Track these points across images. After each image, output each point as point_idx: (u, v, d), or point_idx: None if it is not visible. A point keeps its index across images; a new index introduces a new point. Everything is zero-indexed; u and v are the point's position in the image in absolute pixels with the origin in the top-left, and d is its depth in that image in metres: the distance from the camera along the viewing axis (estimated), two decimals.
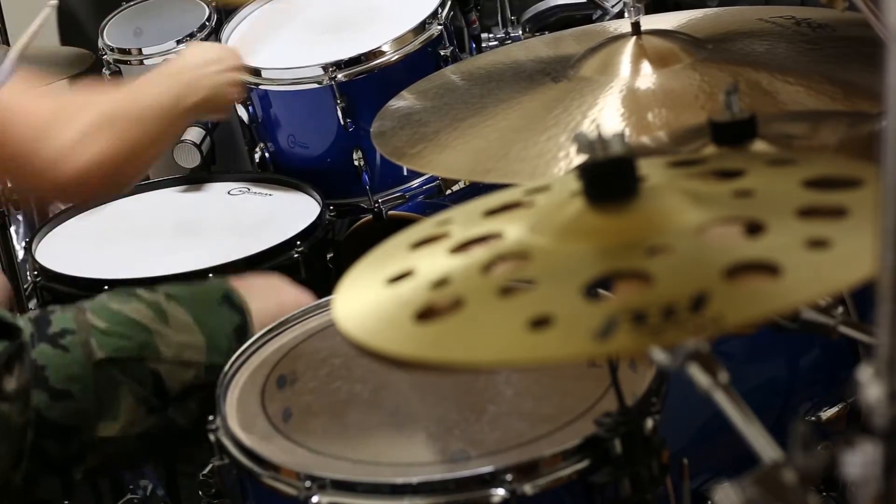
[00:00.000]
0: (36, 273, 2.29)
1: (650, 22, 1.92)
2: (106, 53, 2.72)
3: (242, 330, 1.83)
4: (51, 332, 1.76)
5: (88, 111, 1.79)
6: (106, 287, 2.17)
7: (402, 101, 2.02)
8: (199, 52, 2.11)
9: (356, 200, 2.55)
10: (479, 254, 1.16)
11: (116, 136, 1.78)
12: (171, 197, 2.54)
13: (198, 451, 1.88)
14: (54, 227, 2.44)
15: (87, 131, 1.76)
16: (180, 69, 2.03)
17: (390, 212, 2.53)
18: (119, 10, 2.85)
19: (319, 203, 2.40)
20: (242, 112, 2.58)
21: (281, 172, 2.58)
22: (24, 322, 1.77)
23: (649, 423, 1.42)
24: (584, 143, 1.14)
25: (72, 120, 1.76)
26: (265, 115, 2.57)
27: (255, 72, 2.51)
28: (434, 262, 1.17)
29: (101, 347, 1.76)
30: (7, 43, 2.79)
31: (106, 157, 1.76)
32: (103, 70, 2.73)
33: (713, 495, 0.98)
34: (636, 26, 1.86)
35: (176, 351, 1.78)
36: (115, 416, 1.75)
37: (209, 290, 1.90)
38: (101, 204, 2.52)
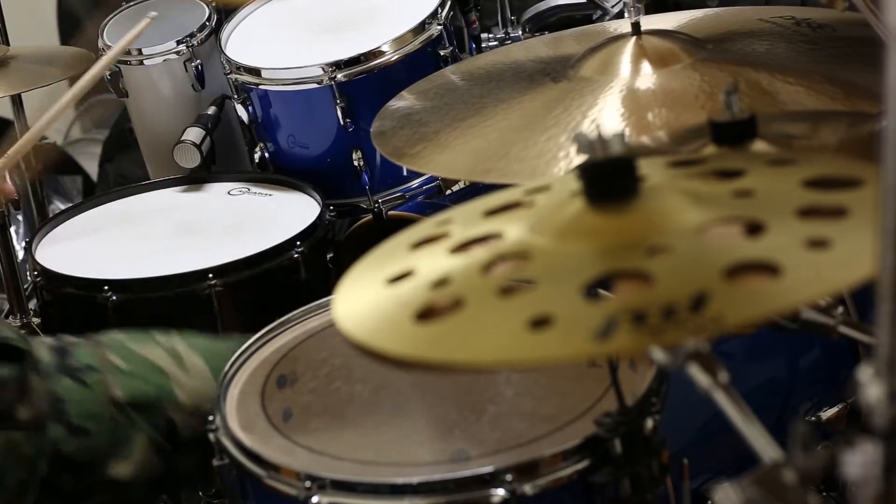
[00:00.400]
0: (36, 273, 2.28)
1: (650, 22, 1.92)
2: (106, 53, 2.71)
3: None
4: (73, 365, 1.76)
5: None
6: (106, 287, 2.17)
7: (402, 101, 2.02)
8: None
9: (356, 200, 2.55)
10: (479, 254, 1.16)
11: None
12: (171, 197, 2.54)
13: (197, 494, 1.90)
14: (54, 227, 2.44)
15: None
16: None
17: (390, 212, 2.53)
18: (119, 10, 2.85)
19: (319, 203, 2.40)
20: (242, 112, 2.58)
21: (281, 172, 2.58)
22: (44, 350, 1.78)
23: (649, 423, 1.42)
24: (584, 143, 1.14)
25: None
26: (265, 115, 2.57)
27: (255, 72, 2.51)
28: (434, 262, 1.17)
29: (121, 388, 1.76)
30: (7, 43, 2.78)
31: None
32: None
33: (713, 495, 0.98)
34: (636, 26, 1.86)
35: (192, 400, 1.78)
36: (128, 456, 1.75)
37: (227, 343, 1.90)
38: (101, 204, 2.52)
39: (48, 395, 1.72)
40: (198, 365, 1.82)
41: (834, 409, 1.93)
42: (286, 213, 2.39)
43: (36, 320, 2.62)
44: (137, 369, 1.79)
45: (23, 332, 1.93)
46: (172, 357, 1.82)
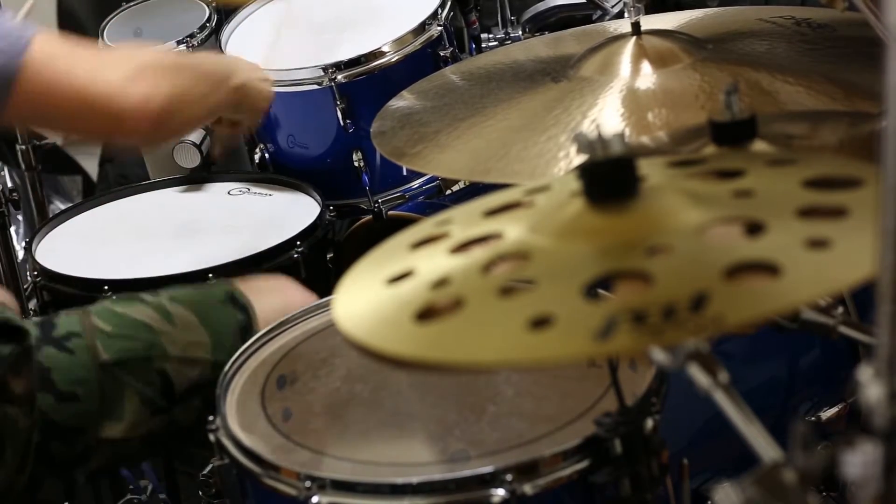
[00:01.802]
0: (36, 273, 2.28)
1: (650, 22, 1.92)
2: None
3: (247, 328, 1.84)
4: (56, 334, 1.77)
5: (135, 57, 1.87)
6: (106, 287, 2.17)
7: (402, 101, 2.02)
8: (241, 59, 2.27)
9: (356, 200, 2.55)
10: (479, 254, 1.16)
11: (164, 79, 1.85)
12: (171, 197, 2.54)
13: (198, 451, 1.89)
14: (54, 227, 2.44)
15: (138, 70, 1.83)
16: (226, 58, 2.25)
17: (390, 212, 2.53)
18: (119, 10, 2.85)
19: (319, 203, 2.39)
20: None
21: (281, 173, 2.57)
22: (30, 325, 1.78)
23: (649, 423, 1.42)
24: (584, 143, 1.14)
25: (121, 62, 1.84)
26: (265, 116, 2.57)
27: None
28: (434, 262, 1.17)
29: (107, 350, 1.76)
30: None
31: (157, 94, 1.82)
32: None
33: (713, 495, 0.98)
34: (636, 26, 1.86)
35: (182, 348, 1.79)
36: (120, 417, 1.76)
37: (212, 291, 1.91)
38: (101, 204, 2.52)
39: (36, 367, 1.72)
40: (185, 315, 1.82)
41: (834, 409, 1.93)
42: (286, 213, 2.39)
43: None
44: (123, 330, 1.79)
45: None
46: (158, 312, 1.82)
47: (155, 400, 1.77)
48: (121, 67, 1.82)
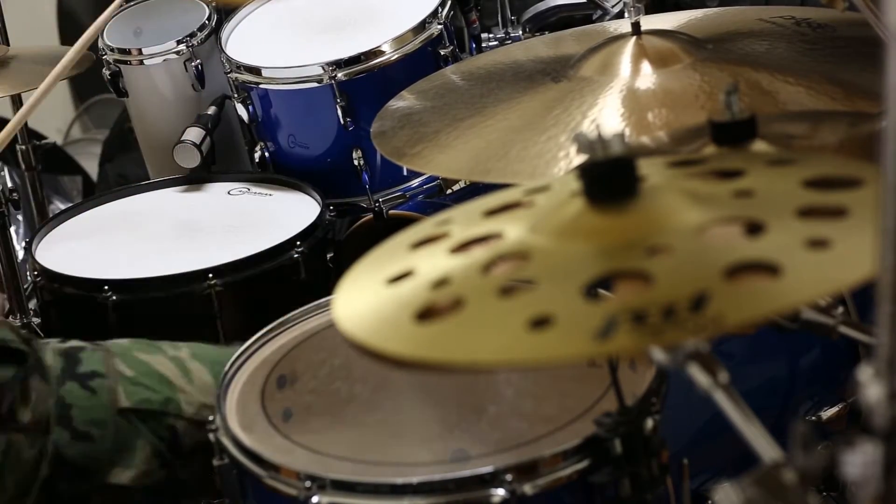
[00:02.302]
0: (36, 273, 2.28)
1: (650, 22, 1.92)
2: (106, 53, 2.72)
3: None
4: (81, 371, 1.77)
5: None
6: (106, 287, 2.17)
7: (402, 101, 2.02)
8: None
9: (356, 200, 2.55)
10: (479, 254, 1.16)
11: None
12: (171, 197, 2.54)
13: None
14: (54, 227, 2.44)
15: None
16: None
17: (390, 211, 2.53)
18: (119, 9, 2.85)
19: (319, 203, 2.40)
20: (242, 111, 2.58)
21: (281, 172, 2.58)
22: (50, 354, 1.78)
23: (649, 423, 1.42)
24: (584, 143, 1.14)
25: None
26: (265, 115, 2.57)
27: (256, 71, 2.51)
28: (434, 262, 1.17)
29: (127, 396, 1.77)
30: (7, 43, 2.78)
31: None
32: (103, 70, 2.73)
33: (713, 495, 0.98)
34: (636, 26, 1.86)
35: (196, 410, 1.79)
36: (130, 464, 1.76)
37: (232, 353, 1.91)
38: (101, 203, 2.52)
39: (55, 399, 1.72)
40: (203, 377, 1.83)
41: (834, 409, 1.93)
42: (286, 213, 2.39)
43: (36, 320, 2.63)
44: (144, 378, 1.79)
45: (26, 332, 1.93)
46: (179, 368, 1.82)
47: (163, 454, 1.78)
48: None
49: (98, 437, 1.74)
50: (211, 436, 1.55)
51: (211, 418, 1.56)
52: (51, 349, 1.79)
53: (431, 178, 2.56)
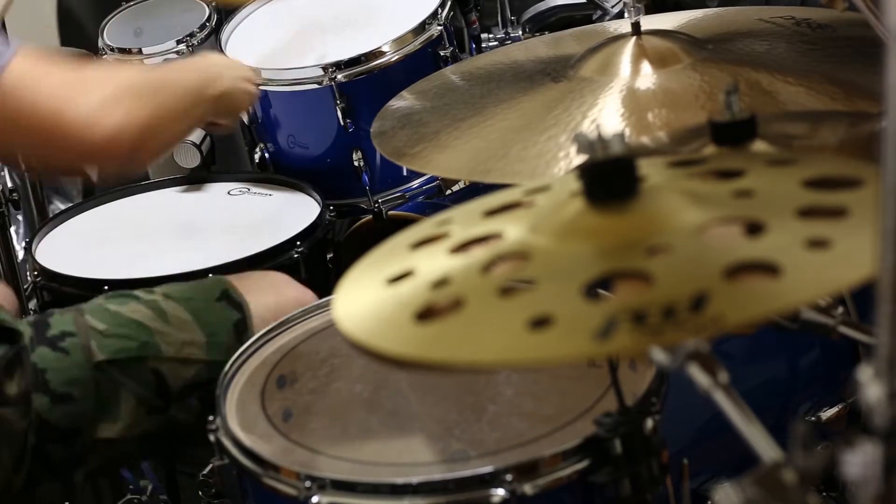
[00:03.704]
0: (36, 273, 2.28)
1: (650, 22, 1.92)
2: (106, 53, 2.72)
3: (242, 326, 1.84)
4: (50, 334, 1.76)
5: (112, 80, 1.79)
6: (106, 287, 2.17)
7: (402, 101, 2.02)
8: (224, 59, 2.22)
9: (356, 200, 2.55)
10: (479, 254, 1.16)
11: (141, 104, 1.77)
12: (171, 197, 2.54)
13: (198, 451, 1.89)
14: (54, 227, 2.44)
15: (113, 97, 1.74)
16: (207, 64, 2.12)
17: (390, 212, 2.53)
18: (119, 10, 2.85)
19: (319, 203, 2.40)
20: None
21: (281, 172, 2.58)
22: (23, 326, 1.77)
23: (649, 423, 1.42)
24: (584, 144, 1.14)
25: (96, 87, 1.75)
26: (265, 116, 2.57)
27: (255, 72, 2.51)
28: (434, 262, 1.17)
29: (102, 349, 1.76)
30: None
31: (131, 123, 1.74)
32: None
33: (713, 495, 0.98)
34: (636, 26, 1.86)
35: (177, 349, 1.79)
36: (116, 417, 1.75)
37: (207, 288, 1.91)
38: (101, 204, 2.52)
39: (30, 368, 1.72)
40: (179, 314, 1.82)
41: (834, 409, 1.93)
42: (286, 213, 2.39)
43: None
44: (118, 329, 1.78)
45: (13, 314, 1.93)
46: (153, 310, 1.81)
47: (150, 400, 1.77)
48: (94, 94, 1.73)
49: (79, 396, 1.73)
50: (211, 436, 1.55)
51: (211, 418, 1.56)
52: (23, 323, 1.79)
53: (431, 179, 2.56)
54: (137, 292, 1.85)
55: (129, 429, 1.76)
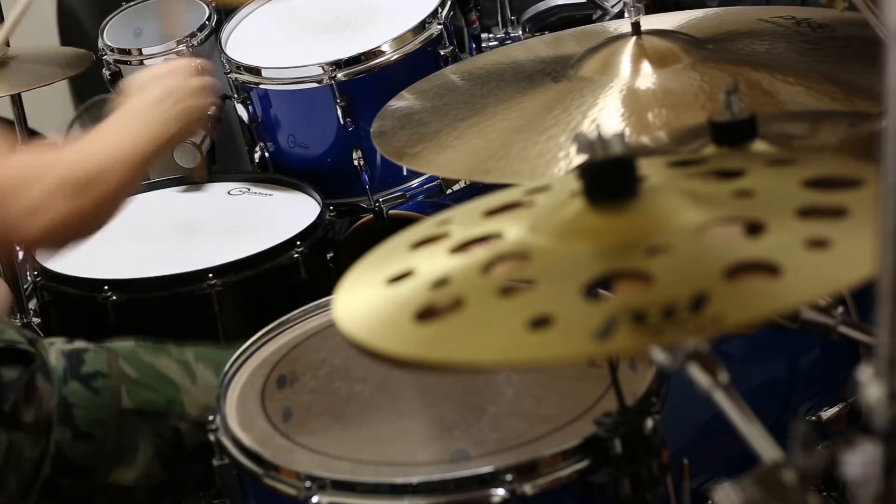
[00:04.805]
0: (36, 273, 2.29)
1: (650, 22, 1.92)
2: (106, 54, 2.72)
3: None
4: (84, 371, 1.77)
5: (49, 174, 1.70)
6: (106, 287, 2.17)
7: (402, 101, 2.02)
8: (149, 93, 1.93)
9: (356, 200, 2.55)
10: (479, 254, 1.16)
11: (77, 197, 1.70)
12: (171, 197, 2.54)
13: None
14: None
15: (50, 192, 1.68)
16: (135, 114, 1.89)
17: (390, 211, 2.53)
18: (119, 10, 2.85)
19: (319, 203, 2.40)
20: (242, 112, 2.58)
21: (281, 172, 2.58)
22: (54, 354, 1.78)
23: (649, 423, 1.43)
24: (584, 143, 1.14)
25: (34, 182, 1.69)
26: (265, 115, 2.57)
27: (256, 71, 2.51)
28: (434, 262, 1.17)
29: (131, 397, 1.77)
30: (7, 43, 2.78)
31: (68, 217, 1.70)
32: (103, 70, 2.73)
33: (713, 495, 0.98)
34: (636, 26, 1.86)
35: (200, 411, 1.79)
36: (132, 464, 1.76)
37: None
38: None
39: (58, 399, 1.72)
40: (208, 378, 1.83)
41: (834, 409, 1.93)
42: (286, 213, 2.39)
43: (36, 320, 2.63)
44: (147, 379, 1.80)
45: (30, 333, 1.93)
46: (183, 369, 1.83)
47: (166, 453, 1.78)
48: (31, 190, 1.66)
49: (100, 437, 1.75)
50: (211, 436, 1.55)
51: (211, 418, 1.56)
52: (55, 349, 1.79)
53: (431, 179, 2.56)
54: (168, 347, 1.86)
55: (142, 478, 1.77)
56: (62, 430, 1.72)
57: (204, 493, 1.96)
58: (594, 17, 2.79)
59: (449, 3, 2.55)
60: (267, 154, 2.60)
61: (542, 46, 2.10)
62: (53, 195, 1.67)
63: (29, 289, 2.60)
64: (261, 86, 2.52)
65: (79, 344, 1.84)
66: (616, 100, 1.77)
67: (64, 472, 1.72)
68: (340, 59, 2.44)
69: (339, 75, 2.43)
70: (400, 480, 1.40)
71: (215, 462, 1.55)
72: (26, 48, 2.76)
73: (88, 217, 1.73)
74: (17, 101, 2.77)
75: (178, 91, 1.90)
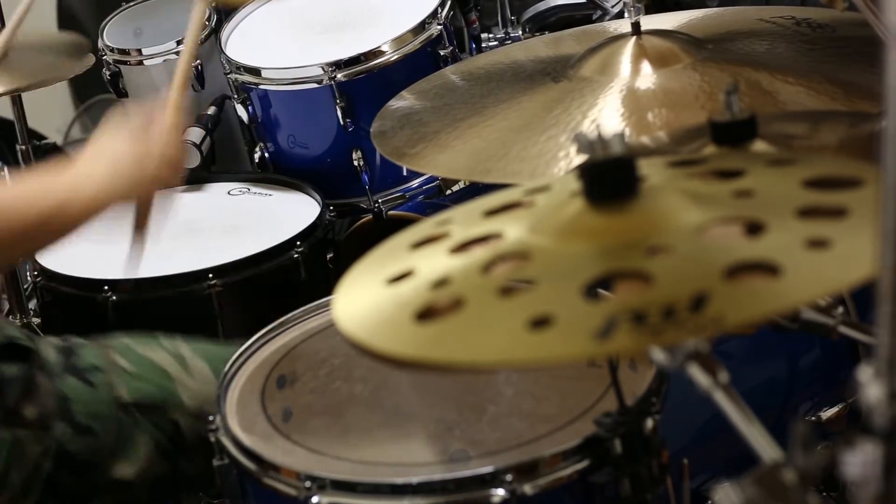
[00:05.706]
0: (36, 273, 2.29)
1: (650, 22, 1.92)
2: (106, 54, 2.72)
3: None
4: (80, 365, 1.77)
5: (21, 222, 1.62)
6: (106, 287, 2.17)
7: (402, 101, 2.02)
8: (119, 149, 1.76)
9: (356, 200, 2.56)
10: (479, 254, 1.16)
11: (46, 242, 1.70)
12: (171, 197, 2.54)
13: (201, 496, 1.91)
14: None
15: (16, 239, 1.61)
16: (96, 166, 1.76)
17: (390, 212, 2.53)
18: (119, 10, 2.86)
19: (319, 203, 2.40)
20: (242, 112, 2.58)
21: (281, 172, 2.58)
22: (50, 350, 1.78)
23: (649, 423, 1.43)
24: (584, 143, 1.14)
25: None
26: (265, 115, 2.57)
27: (255, 71, 2.51)
28: (434, 262, 1.17)
29: (127, 390, 1.77)
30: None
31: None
32: (103, 70, 2.73)
33: (713, 495, 0.98)
34: (636, 26, 1.86)
35: (198, 404, 1.79)
36: (132, 458, 1.76)
37: (229, 349, 1.90)
38: None
39: (55, 394, 1.72)
40: (202, 369, 1.83)
41: (834, 409, 1.93)
42: (286, 213, 2.39)
43: (36, 320, 2.63)
44: (143, 371, 1.80)
45: (27, 331, 1.93)
46: (177, 361, 1.82)
47: (165, 445, 1.78)
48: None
49: (100, 430, 1.74)
50: (211, 436, 1.55)
51: (211, 418, 1.56)
52: (51, 345, 1.79)
53: (431, 179, 2.56)
54: (162, 340, 1.85)
55: (143, 473, 1.76)
56: (62, 426, 1.72)
57: (204, 492, 1.96)
58: (594, 17, 2.79)
59: (449, 3, 2.56)
60: (267, 154, 2.60)
61: (542, 46, 2.10)
62: (24, 238, 1.63)
63: (29, 289, 2.60)
64: (261, 86, 2.52)
65: (73, 339, 1.84)
66: (616, 100, 1.77)
67: (66, 468, 1.72)
68: (340, 60, 2.44)
69: (339, 75, 2.43)
70: (400, 480, 1.40)
71: (215, 462, 1.55)
72: (24, 38, 2.75)
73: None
74: (17, 101, 2.78)
75: (149, 159, 1.77)
